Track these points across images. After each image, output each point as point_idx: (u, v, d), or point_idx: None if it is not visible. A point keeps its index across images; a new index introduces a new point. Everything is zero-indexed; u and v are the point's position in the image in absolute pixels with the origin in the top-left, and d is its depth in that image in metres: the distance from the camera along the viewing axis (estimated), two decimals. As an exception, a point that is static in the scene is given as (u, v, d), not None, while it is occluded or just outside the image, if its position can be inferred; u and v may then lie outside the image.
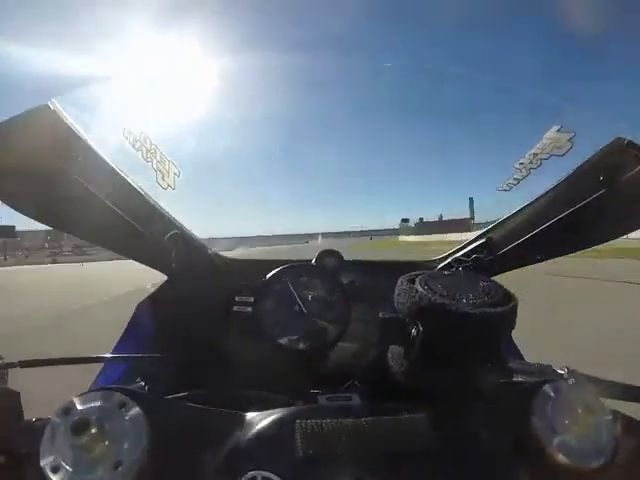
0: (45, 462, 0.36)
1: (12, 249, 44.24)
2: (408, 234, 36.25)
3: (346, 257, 1.04)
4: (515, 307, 0.48)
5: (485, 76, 0.98)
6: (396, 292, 0.53)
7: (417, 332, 0.49)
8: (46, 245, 50.38)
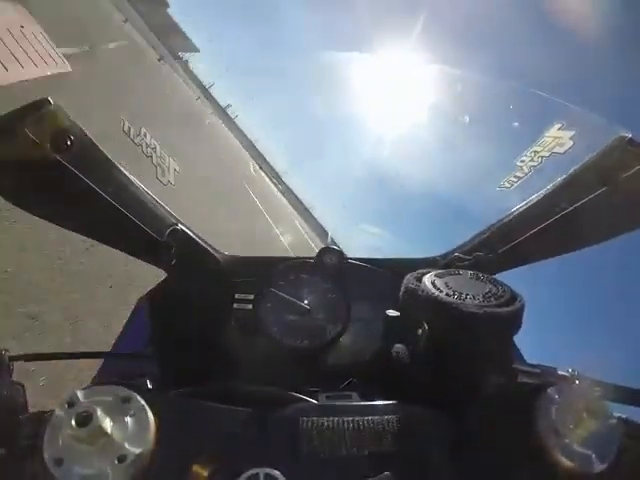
0: (48, 454, 0.36)
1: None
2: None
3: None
4: (522, 308, 0.47)
5: (486, 76, 0.97)
6: (402, 290, 0.53)
7: (423, 331, 0.48)
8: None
